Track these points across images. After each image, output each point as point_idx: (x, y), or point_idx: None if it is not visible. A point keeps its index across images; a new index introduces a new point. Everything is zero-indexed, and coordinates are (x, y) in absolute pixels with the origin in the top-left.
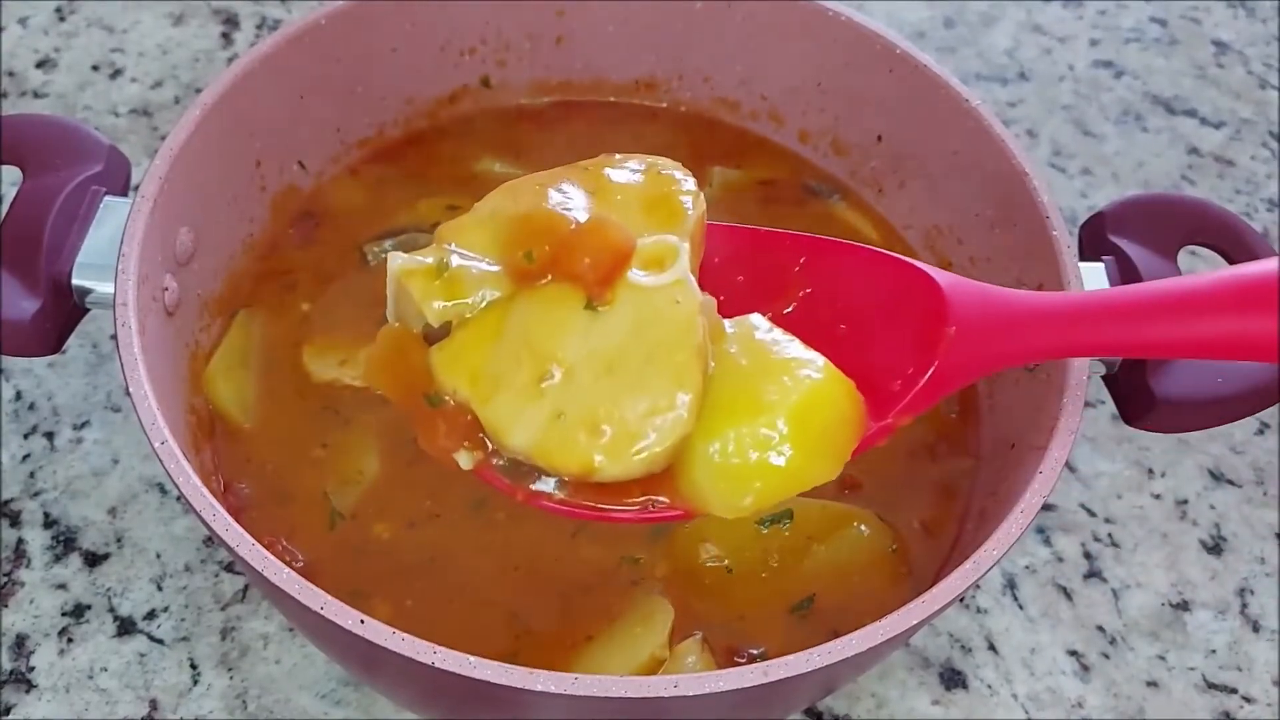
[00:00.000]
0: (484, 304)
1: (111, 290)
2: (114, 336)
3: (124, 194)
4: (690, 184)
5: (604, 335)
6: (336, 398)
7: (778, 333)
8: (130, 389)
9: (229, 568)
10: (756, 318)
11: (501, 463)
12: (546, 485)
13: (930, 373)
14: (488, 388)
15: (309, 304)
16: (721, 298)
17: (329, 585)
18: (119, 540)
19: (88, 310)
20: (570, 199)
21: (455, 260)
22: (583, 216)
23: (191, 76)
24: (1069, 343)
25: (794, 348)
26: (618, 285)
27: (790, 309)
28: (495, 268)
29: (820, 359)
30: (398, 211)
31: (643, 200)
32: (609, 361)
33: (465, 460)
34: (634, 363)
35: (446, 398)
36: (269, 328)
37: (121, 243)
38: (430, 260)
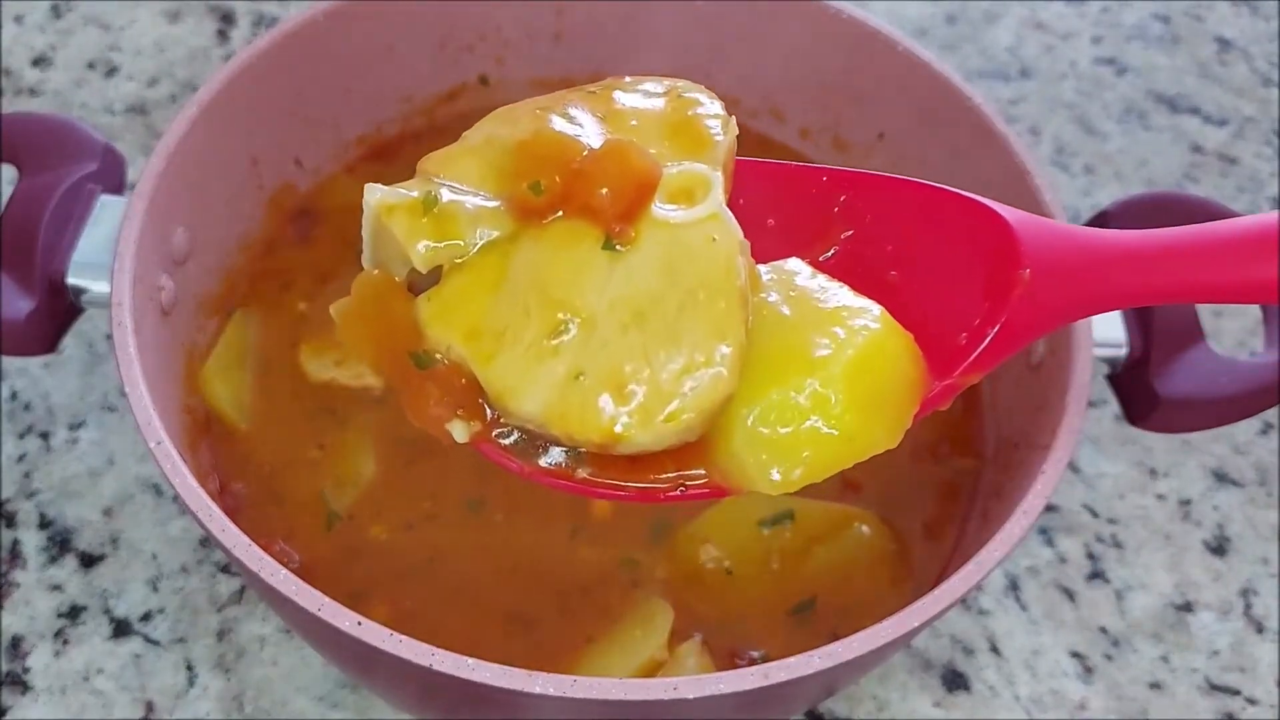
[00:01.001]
0: (481, 245)
1: (107, 289)
2: (109, 336)
3: (120, 192)
4: (718, 107)
5: (628, 280)
6: (333, 398)
7: (822, 278)
8: (126, 389)
9: (225, 569)
10: (795, 262)
11: (507, 435)
12: (559, 459)
13: (1001, 322)
14: (490, 344)
15: (306, 303)
16: (748, 244)
17: (326, 587)
18: (114, 541)
19: (83, 310)
20: (579, 124)
21: (446, 194)
22: (596, 142)
23: (188, 74)
24: (1162, 284)
25: (844, 294)
26: (641, 221)
27: (829, 255)
28: (494, 202)
29: (876, 307)
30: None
31: (663, 126)
32: (636, 310)
33: (460, 431)
34: (665, 311)
35: (438, 356)
36: (265, 328)
37: (117, 242)
38: (416, 194)
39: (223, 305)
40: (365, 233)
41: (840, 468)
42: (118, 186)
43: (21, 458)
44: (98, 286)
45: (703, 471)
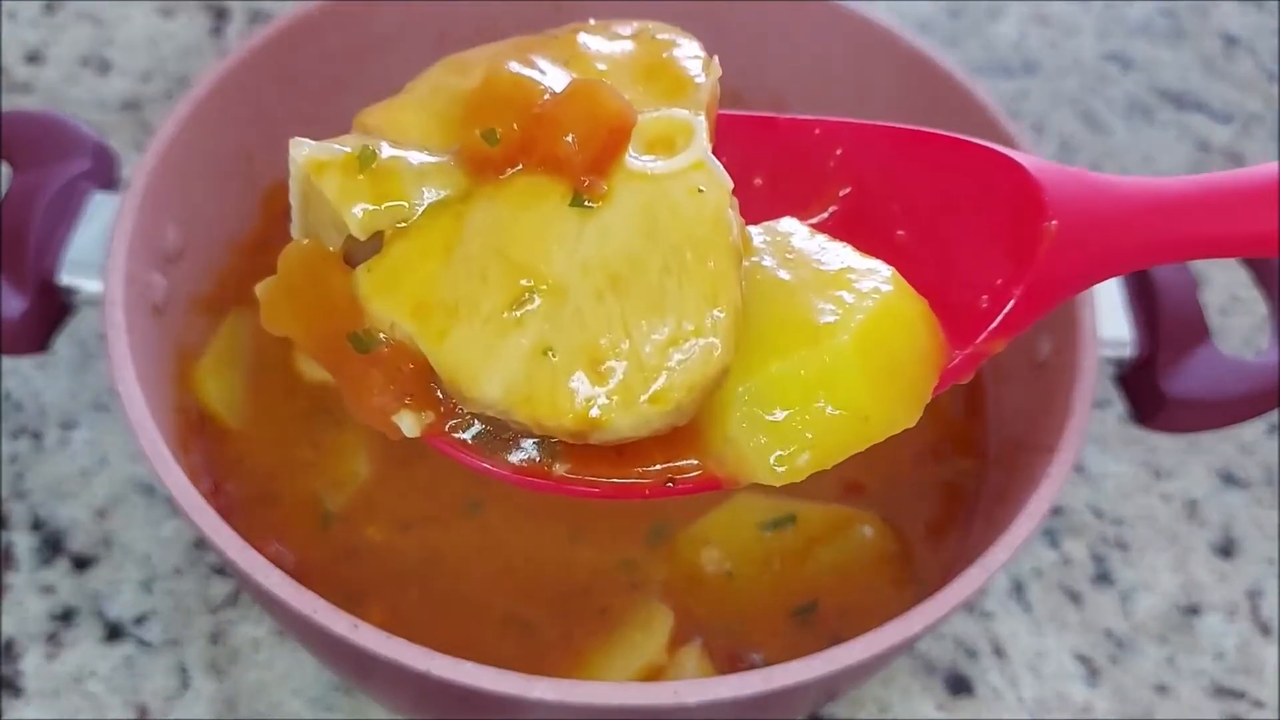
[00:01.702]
0: (428, 206)
1: (100, 288)
2: (102, 335)
3: (113, 189)
4: (696, 47)
5: (602, 240)
6: (328, 398)
7: (822, 238)
8: (118, 388)
9: (219, 571)
10: (790, 222)
11: (466, 427)
12: (531, 453)
13: (1028, 282)
14: (441, 319)
15: None
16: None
17: (320, 589)
18: (107, 542)
19: (76, 309)
20: (540, 69)
21: (386, 149)
22: (560, 85)
23: (181, 70)
24: (1204, 233)
25: (848, 255)
26: (614, 173)
27: (826, 215)
28: (442, 157)
29: (886, 267)
30: None
31: (635, 70)
32: (612, 275)
33: (410, 424)
34: (647, 275)
35: (381, 337)
36: (260, 327)
37: (109, 239)
38: (350, 149)
39: (216, 304)
40: (293, 196)
41: (852, 451)
42: (111, 183)
43: (14, 459)
44: (90, 285)
45: (695, 462)
